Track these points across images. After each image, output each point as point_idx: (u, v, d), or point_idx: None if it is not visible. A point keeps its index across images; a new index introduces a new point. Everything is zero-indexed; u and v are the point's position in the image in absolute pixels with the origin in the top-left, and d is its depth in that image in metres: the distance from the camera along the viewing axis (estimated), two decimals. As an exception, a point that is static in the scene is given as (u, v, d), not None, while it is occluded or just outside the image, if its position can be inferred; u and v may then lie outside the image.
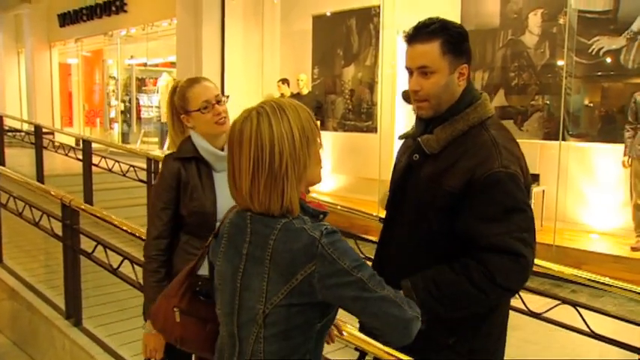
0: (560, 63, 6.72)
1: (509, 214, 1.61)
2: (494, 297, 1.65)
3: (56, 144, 7.68)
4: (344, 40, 9.05)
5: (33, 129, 8.22)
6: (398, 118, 8.25)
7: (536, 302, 3.11)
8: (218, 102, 2.24)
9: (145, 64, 12.98)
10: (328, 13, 9.14)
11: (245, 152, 1.34)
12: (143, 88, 13.71)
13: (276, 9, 9.61)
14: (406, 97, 4.88)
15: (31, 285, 4.62)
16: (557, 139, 6.63)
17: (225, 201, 2.19)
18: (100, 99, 14.17)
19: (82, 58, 14.27)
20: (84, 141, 6.93)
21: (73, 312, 3.95)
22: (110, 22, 12.08)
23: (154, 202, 2.26)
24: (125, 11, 11.60)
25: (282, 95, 9.27)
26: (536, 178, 6.76)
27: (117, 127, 13.69)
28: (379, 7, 8.34)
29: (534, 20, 6.84)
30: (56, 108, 15.00)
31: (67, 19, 13.48)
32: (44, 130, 8.23)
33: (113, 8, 11.82)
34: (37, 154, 7.69)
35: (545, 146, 6.94)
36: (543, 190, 6.79)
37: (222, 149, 2.25)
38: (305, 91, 9.05)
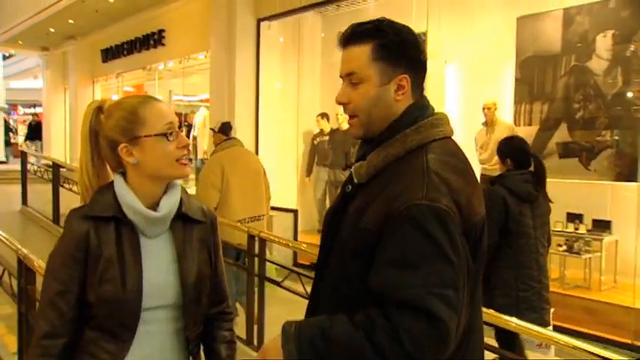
0: (634, 92, 5.78)
1: (428, 261, 1.27)
2: None
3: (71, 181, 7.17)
4: (387, 70, 8.32)
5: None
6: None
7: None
8: (180, 130, 1.60)
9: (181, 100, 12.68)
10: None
11: None
12: (184, 123, 13.35)
13: (316, 39, 9.03)
14: (225, 128, 4.79)
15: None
16: (632, 180, 5.65)
17: (156, 282, 1.57)
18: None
19: (123, 94, 14.06)
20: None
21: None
22: (149, 56, 11.83)
23: (47, 281, 1.55)
24: (163, 44, 11.31)
25: (322, 131, 8.65)
26: (607, 225, 5.78)
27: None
28: (425, 34, 7.61)
29: (603, 43, 5.92)
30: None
31: (110, 54, 13.38)
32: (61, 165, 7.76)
33: (152, 42, 11.57)
34: (54, 190, 7.20)
35: (617, 188, 5.97)
36: (616, 240, 5.78)
37: (157, 206, 1.57)
38: (345, 126, 8.35)
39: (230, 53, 8.55)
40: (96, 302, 1.51)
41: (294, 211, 7.98)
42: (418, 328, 1.24)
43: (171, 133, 1.54)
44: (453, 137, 1.50)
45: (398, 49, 1.43)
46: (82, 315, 1.54)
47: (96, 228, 1.52)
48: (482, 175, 6.57)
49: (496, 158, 6.56)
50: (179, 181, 1.66)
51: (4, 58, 22.92)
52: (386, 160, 1.41)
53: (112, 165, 1.61)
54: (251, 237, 3.88)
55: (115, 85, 14.00)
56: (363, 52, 1.43)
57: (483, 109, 6.60)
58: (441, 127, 1.46)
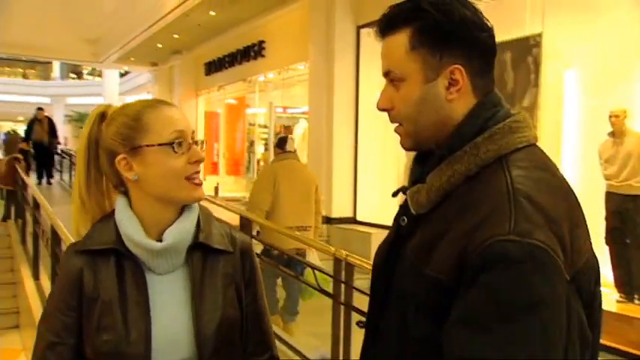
0: None
1: (516, 324, 0.86)
2: None
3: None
4: (497, 77, 7.61)
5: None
6: (565, 168, 6.62)
7: None
8: (194, 143, 1.25)
9: (284, 111, 12.65)
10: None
11: None
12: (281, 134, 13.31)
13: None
14: (281, 143, 4.90)
15: None
16: None
17: (168, 330, 1.23)
18: (242, 147, 13.91)
19: (225, 106, 14.23)
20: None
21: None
22: (249, 68, 11.93)
23: (39, 331, 1.26)
24: (263, 55, 11.32)
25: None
26: None
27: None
28: (540, 36, 6.88)
29: None
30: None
31: (212, 67, 13.69)
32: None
33: (252, 53, 11.65)
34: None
35: None
36: None
37: (161, 235, 1.23)
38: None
39: (329, 62, 8.30)
40: (94, 357, 1.19)
41: (394, 228, 7.52)
42: None
43: (179, 144, 1.20)
44: (538, 144, 1.09)
45: (445, 31, 1.05)
46: None
47: (92, 265, 1.22)
48: (608, 192, 5.76)
49: (625, 174, 5.81)
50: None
51: (121, 75, 24.20)
52: (453, 182, 1.05)
53: (113, 183, 1.29)
54: (337, 261, 3.44)
55: (217, 98, 14.22)
56: (400, 41, 1.09)
57: (610, 117, 5.80)
58: (524, 132, 1.06)
